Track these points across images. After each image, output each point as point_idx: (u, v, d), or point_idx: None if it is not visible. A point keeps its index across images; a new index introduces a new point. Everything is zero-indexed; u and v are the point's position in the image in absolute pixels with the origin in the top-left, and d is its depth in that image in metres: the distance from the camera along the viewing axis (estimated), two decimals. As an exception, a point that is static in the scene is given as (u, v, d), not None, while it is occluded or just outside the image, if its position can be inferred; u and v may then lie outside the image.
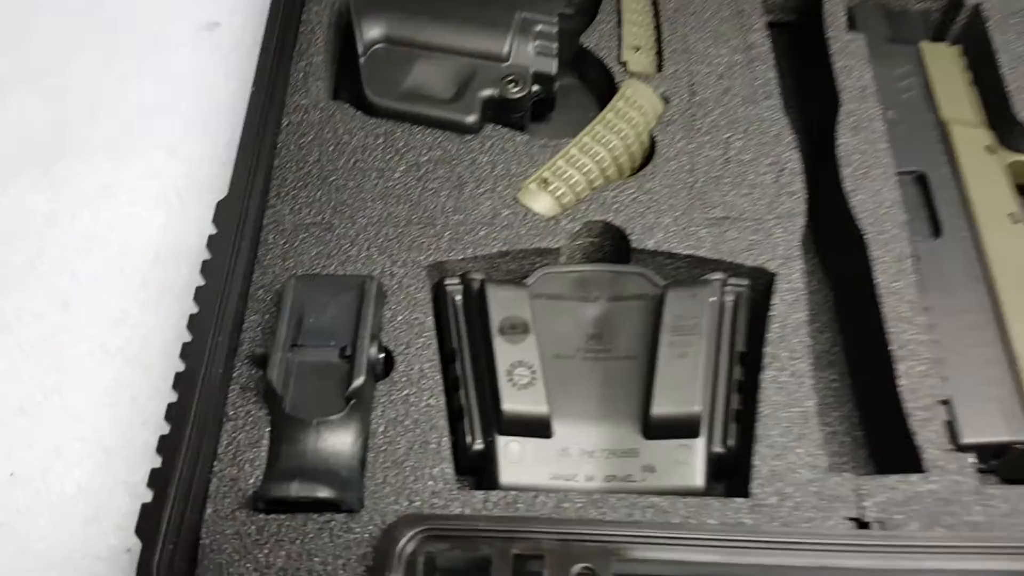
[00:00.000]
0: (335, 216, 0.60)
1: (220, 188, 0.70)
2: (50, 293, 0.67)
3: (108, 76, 0.80)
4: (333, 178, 0.62)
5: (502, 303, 0.55)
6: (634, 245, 0.59)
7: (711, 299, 0.56)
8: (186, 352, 0.53)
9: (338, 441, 0.51)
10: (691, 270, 0.59)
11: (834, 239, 0.61)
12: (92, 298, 0.67)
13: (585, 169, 0.61)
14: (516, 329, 0.55)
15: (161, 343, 0.65)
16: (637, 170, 0.63)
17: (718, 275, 0.58)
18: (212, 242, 0.57)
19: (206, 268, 0.56)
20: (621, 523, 0.49)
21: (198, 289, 0.56)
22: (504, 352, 0.54)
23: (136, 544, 0.54)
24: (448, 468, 0.52)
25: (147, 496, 0.53)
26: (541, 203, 0.61)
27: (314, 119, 0.64)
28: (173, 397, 0.53)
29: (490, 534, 0.48)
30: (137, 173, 0.74)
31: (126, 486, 0.59)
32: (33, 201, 0.73)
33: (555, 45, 0.66)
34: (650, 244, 0.59)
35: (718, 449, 0.53)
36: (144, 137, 0.76)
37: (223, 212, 0.58)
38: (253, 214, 0.59)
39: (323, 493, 0.48)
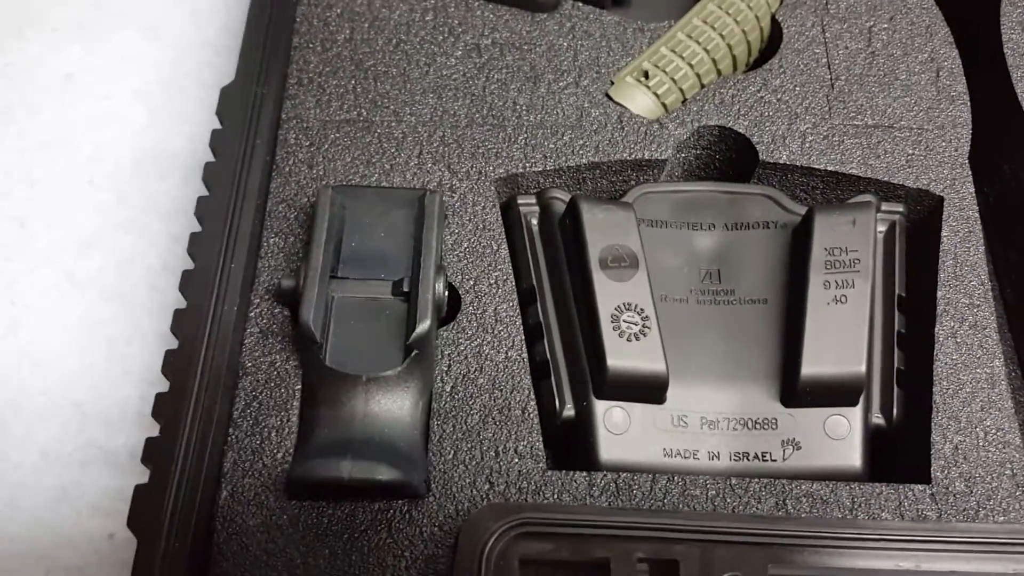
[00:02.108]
0: (375, 112, 0.46)
1: (214, 80, 0.57)
2: (2, 207, 0.53)
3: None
4: (370, 63, 0.48)
5: (603, 227, 0.42)
6: (764, 157, 0.46)
7: (874, 227, 0.43)
8: (187, 283, 0.40)
9: (395, 404, 0.38)
10: (831, 191, 0.47)
11: (1001, 157, 0.49)
12: (55, 215, 0.53)
13: (695, 59, 0.48)
14: (622, 262, 0.42)
15: (143, 272, 0.51)
16: (755, 63, 0.50)
17: (867, 198, 0.46)
18: (217, 140, 0.43)
19: (210, 173, 0.42)
20: (773, 519, 0.37)
21: (201, 200, 0.42)
22: (607, 292, 0.41)
23: (120, 528, 0.41)
24: (537, 442, 0.39)
25: (134, 470, 0.41)
26: (639, 101, 0.47)
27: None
28: (167, 342, 0.40)
29: (604, 531, 0.36)
30: (109, 59, 0.59)
31: (104, 454, 0.46)
32: (-21, 92, 0.58)
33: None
34: (783, 156, 0.46)
35: (877, 420, 0.41)
36: (116, 14, 0.61)
37: (230, 102, 0.44)
38: (270, 106, 0.45)
39: (386, 475, 0.35)
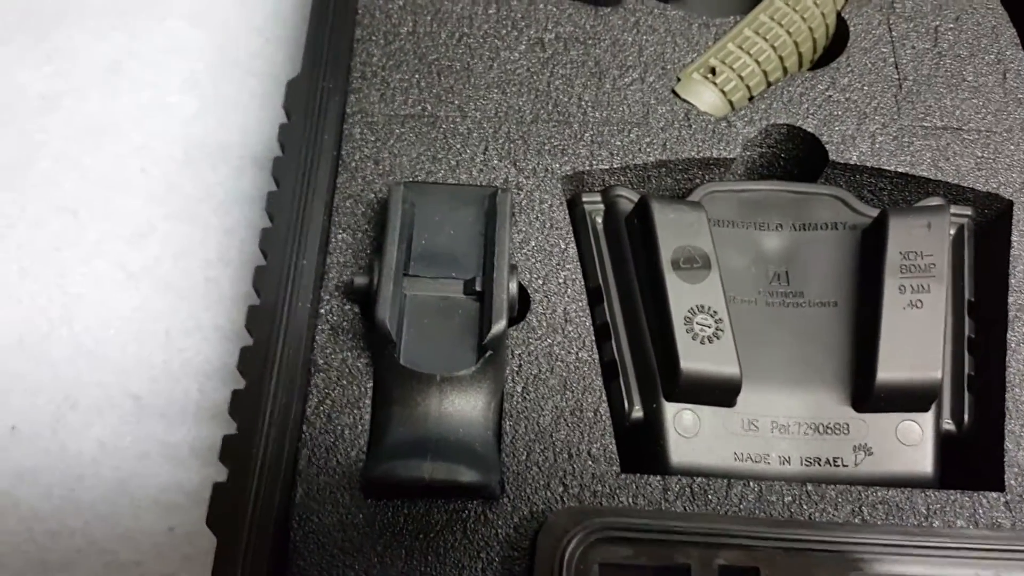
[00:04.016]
0: (440, 107, 0.46)
1: (264, 69, 0.57)
2: (52, 196, 0.53)
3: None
4: (433, 56, 0.47)
5: (675, 227, 0.42)
6: (833, 157, 0.45)
7: (948, 230, 0.42)
8: (260, 279, 0.39)
9: (468, 404, 0.38)
10: (899, 193, 0.46)
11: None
12: (107, 205, 0.53)
13: (762, 56, 0.48)
14: (695, 263, 0.41)
15: (199, 264, 0.51)
16: (820, 60, 0.50)
17: (937, 200, 0.45)
18: (285, 134, 0.43)
19: (279, 167, 0.42)
20: (851, 527, 0.37)
21: (271, 196, 0.41)
22: (680, 293, 0.40)
23: (180, 522, 0.41)
24: (611, 444, 0.39)
25: (194, 464, 0.40)
26: (706, 98, 0.47)
27: (405, -21, 0.49)
28: (226, 335, 0.40)
29: (684, 537, 0.35)
30: (155, 47, 0.58)
31: (163, 447, 0.45)
32: (26, 78, 0.57)
33: None
34: (853, 157, 0.45)
35: (948, 426, 0.41)
36: (159, 2, 0.60)
37: (296, 95, 0.44)
38: (335, 99, 0.45)
39: (466, 477, 0.35)
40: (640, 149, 0.45)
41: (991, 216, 0.45)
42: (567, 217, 0.44)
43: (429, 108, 0.46)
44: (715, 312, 0.40)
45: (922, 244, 0.42)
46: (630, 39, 0.48)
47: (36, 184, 0.53)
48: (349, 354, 0.39)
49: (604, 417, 0.39)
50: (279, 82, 0.54)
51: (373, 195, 0.43)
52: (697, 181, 0.47)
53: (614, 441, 0.39)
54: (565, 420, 0.39)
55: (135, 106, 0.56)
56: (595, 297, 0.43)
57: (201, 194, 0.52)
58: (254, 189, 0.51)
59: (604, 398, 0.40)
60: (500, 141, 0.45)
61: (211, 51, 0.58)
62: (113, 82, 0.57)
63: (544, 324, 0.41)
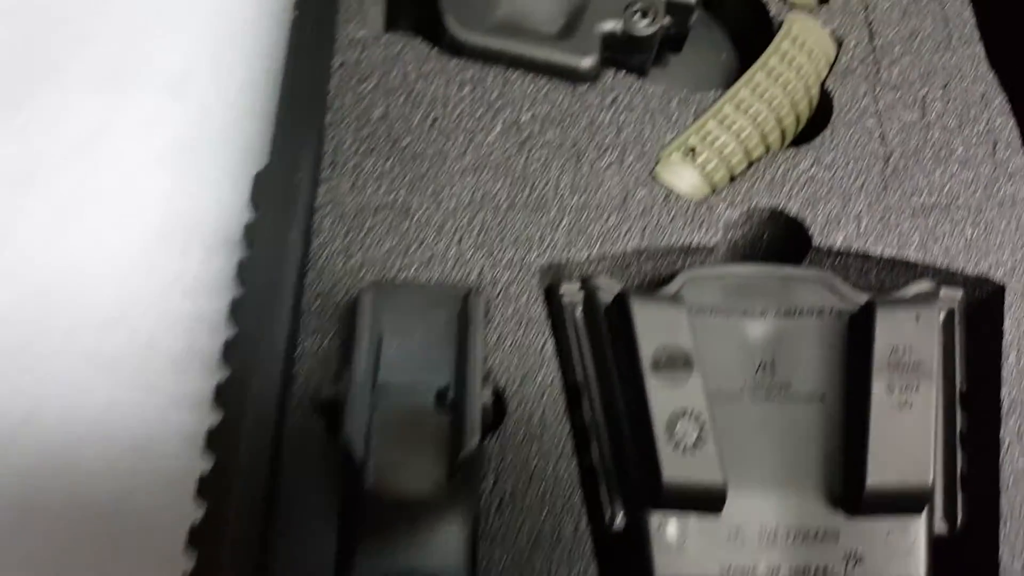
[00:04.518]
0: (413, 195, 0.44)
1: (240, 144, 0.55)
2: (25, 276, 0.51)
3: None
4: (407, 141, 0.46)
5: (655, 326, 0.40)
6: (817, 242, 0.44)
7: (938, 323, 0.41)
8: (222, 395, 0.38)
9: (442, 528, 0.36)
10: (887, 275, 0.45)
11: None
12: (78, 289, 0.51)
13: (743, 134, 0.46)
14: (676, 363, 0.40)
15: (167, 351, 0.49)
16: (804, 132, 0.48)
17: (926, 284, 0.44)
18: (251, 231, 0.42)
19: (244, 271, 0.41)
20: (841, 648, 0.35)
21: (234, 303, 0.40)
22: (660, 398, 0.39)
23: None
24: (591, 566, 0.38)
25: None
26: (686, 180, 0.46)
27: (375, 58, 0.48)
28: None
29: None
30: (130, 118, 0.57)
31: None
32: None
33: (694, -36, 0.49)
34: (839, 241, 0.44)
35: (940, 528, 0.40)
36: (134, 71, 0.59)
37: (264, 188, 0.43)
38: (304, 190, 0.43)
39: (437, 615, 0.33)
40: (619, 236, 0.44)
41: (983, 299, 0.44)
42: (545, 313, 0.42)
43: (402, 196, 0.44)
44: (698, 416, 0.39)
45: (911, 339, 0.40)
46: (608, 118, 0.47)
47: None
48: (314, 472, 0.38)
49: (585, 537, 0.38)
50: (255, 154, 0.53)
51: (342, 295, 0.42)
52: (678, 265, 0.45)
53: (595, 563, 0.38)
54: (544, 542, 0.38)
55: (108, 183, 0.55)
56: (574, 395, 0.42)
57: (173, 278, 0.51)
58: (226, 273, 0.50)
59: (584, 513, 0.38)
60: (475, 231, 0.44)
61: (186, 125, 0.57)
62: (86, 157, 0.56)
63: (521, 432, 0.40)
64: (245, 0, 0.61)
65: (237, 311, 0.40)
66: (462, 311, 0.40)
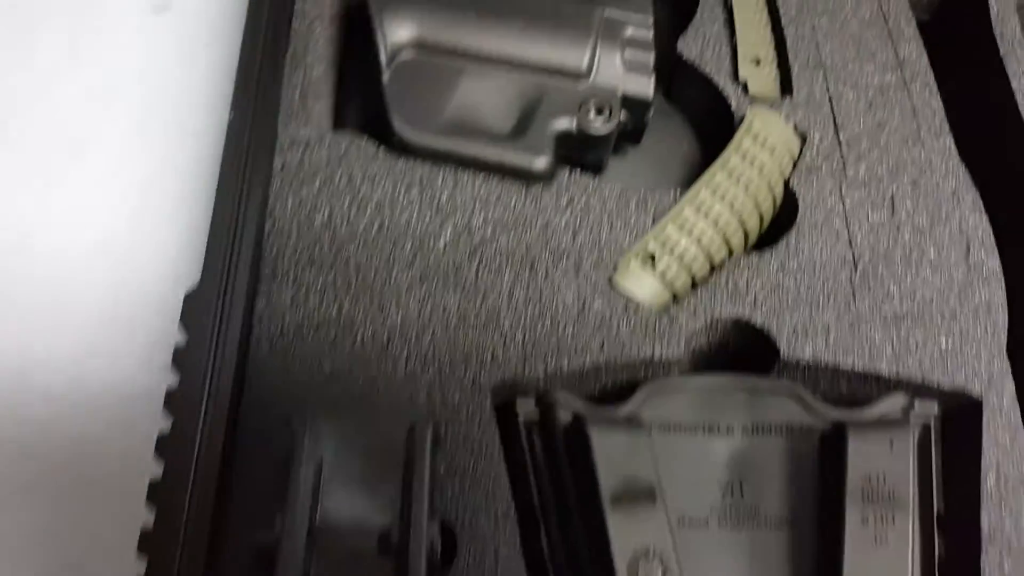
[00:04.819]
0: (357, 308, 0.42)
1: (186, 223, 0.52)
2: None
3: (28, 72, 0.59)
4: (351, 249, 0.43)
5: (615, 455, 0.38)
6: (785, 356, 0.42)
7: (912, 446, 0.39)
8: (149, 543, 0.35)
9: None
10: (858, 387, 0.43)
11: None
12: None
13: (705, 238, 0.44)
14: (637, 496, 0.37)
15: (95, 455, 0.46)
16: (768, 234, 0.46)
17: (899, 398, 0.42)
18: (181, 359, 0.39)
19: (174, 404, 0.38)
20: None
21: (161, 441, 0.37)
22: (622, 535, 0.37)
23: None
24: None
25: None
26: (646, 288, 0.43)
27: (319, 160, 0.45)
28: None
29: None
30: (69, 205, 0.54)
31: None
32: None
33: (652, 57, 0.47)
34: (807, 354, 0.42)
35: (920, 665, 0.37)
36: (72, 153, 0.56)
37: (194, 311, 0.40)
38: (239, 309, 0.40)
39: None
40: (576, 350, 0.42)
41: (959, 413, 0.42)
42: (497, 435, 0.40)
43: (345, 310, 0.42)
44: (662, 554, 0.37)
45: (885, 467, 0.38)
46: (563, 222, 0.45)
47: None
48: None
49: None
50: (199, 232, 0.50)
51: (279, 423, 0.39)
52: (641, 375, 0.43)
53: None
54: None
55: (45, 270, 0.52)
56: (531, 523, 0.39)
57: (99, 389, 0.48)
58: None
59: (539, 662, 0.36)
60: (423, 348, 0.41)
61: (127, 208, 0.54)
62: (28, 245, 0.53)
63: (473, 573, 0.37)
64: (185, 80, 0.58)
65: (165, 449, 0.37)
66: (408, 442, 0.37)
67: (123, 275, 0.51)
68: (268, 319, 0.41)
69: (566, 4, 0.48)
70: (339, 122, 0.49)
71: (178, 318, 0.39)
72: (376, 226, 0.44)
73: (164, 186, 0.53)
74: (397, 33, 0.46)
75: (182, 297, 0.40)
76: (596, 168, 0.48)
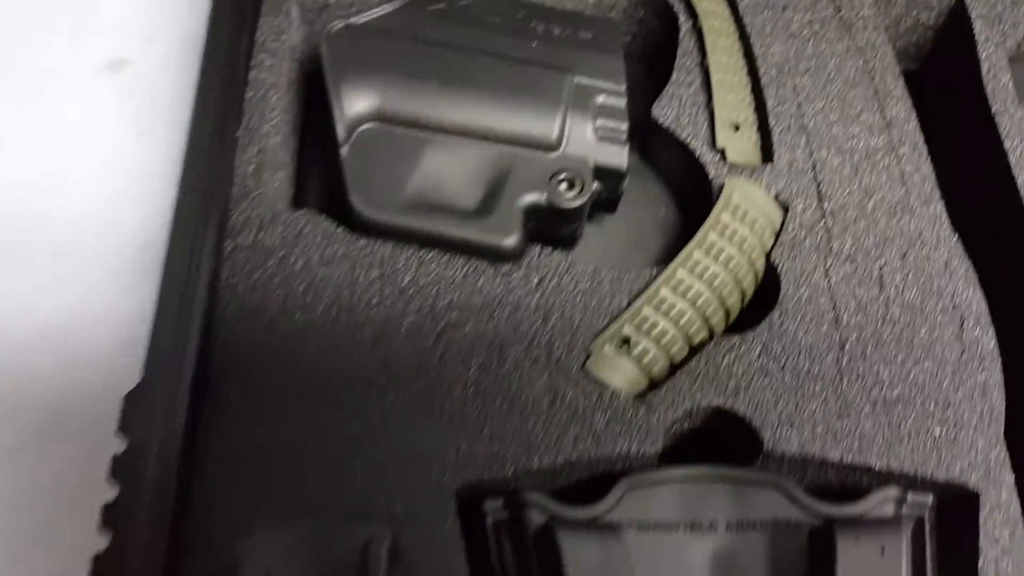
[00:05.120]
0: (311, 405, 0.39)
1: (127, 317, 0.50)
2: None
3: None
4: (306, 338, 0.41)
5: (589, 563, 0.35)
6: (768, 447, 0.39)
7: (905, 552, 0.36)
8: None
9: None
10: (847, 478, 0.40)
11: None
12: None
13: (683, 319, 0.42)
14: (612, 613, 0.35)
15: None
16: (750, 310, 0.44)
17: (892, 491, 0.39)
18: (121, 471, 0.36)
19: (110, 516, 0.35)
20: None
21: (97, 559, 0.34)
22: (596, 653, 0.34)
23: None
24: None
25: None
26: (621, 374, 0.41)
27: (273, 241, 0.43)
28: None
29: None
30: (22, 292, 0.51)
31: None
32: None
33: (625, 126, 0.45)
34: (793, 446, 0.39)
35: None
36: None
37: (135, 415, 0.37)
38: (182, 409, 0.38)
39: None
40: (547, 446, 0.39)
41: (954, 506, 0.39)
42: (463, 542, 0.37)
43: (300, 406, 0.39)
44: (638, 676, 0.34)
45: (875, 572, 0.35)
46: (533, 303, 0.42)
47: None
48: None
49: None
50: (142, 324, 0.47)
51: (226, 547, 0.36)
52: (618, 468, 0.40)
53: None
54: None
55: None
56: (497, 634, 0.36)
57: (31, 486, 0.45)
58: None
59: None
60: (383, 448, 0.38)
61: (73, 301, 0.51)
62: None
63: None
64: (141, 136, 0.56)
65: (101, 564, 0.34)
66: (361, 561, 0.34)
67: (60, 376, 0.47)
68: (215, 420, 0.38)
69: (534, 69, 0.46)
70: (297, 198, 0.47)
71: (116, 424, 0.36)
72: (334, 312, 0.41)
73: (112, 266, 0.51)
74: (356, 104, 0.44)
75: (122, 398, 0.37)
76: (569, 242, 0.46)
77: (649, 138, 0.50)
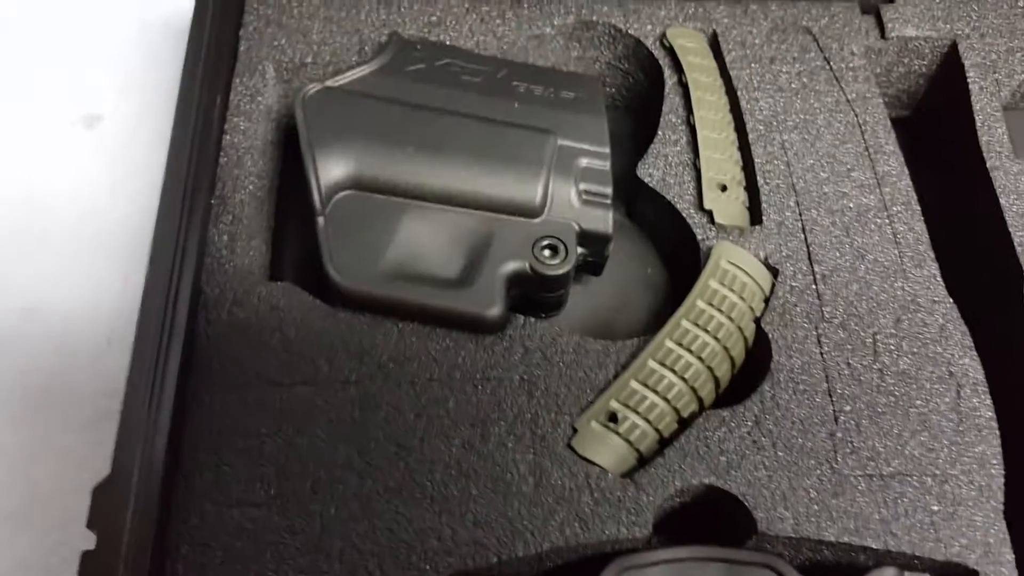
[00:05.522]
0: (285, 493, 0.38)
1: (105, 389, 0.48)
2: None
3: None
4: (280, 420, 0.39)
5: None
6: (762, 526, 0.38)
7: (904, 644, 0.35)
8: None
9: None
10: (843, 557, 0.39)
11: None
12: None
13: (671, 392, 0.40)
14: None
15: None
16: (740, 373, 0.43)
17: (889, 571, 0.38)
18: (88, 564, 0.34)
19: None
20: None
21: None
22: None
23: None
24: None
25: None
26: (608, 451, 0.39)
27: (247, 318, 0.41)
28: None
29: None
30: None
31: None
32: None
33: (609, 189, 0.44)
34: (787, 525, 0.38)
35: None
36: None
37: (103, 508, 0.35)
38: (152, 503, 0.36)
39: None
40: (533, 532, 0.38)
41: (953, 586, 0.38)
42: (448, 639, 0.36)
43: (274, 494, 0.38)
44: None
45: (875, 666, 0.34)
46: (517, 377, 0.41)
47: None
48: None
49: None
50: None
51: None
52: (607, 550, 0.39)
53: None
54: None
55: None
56: None
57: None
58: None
59: None
60: (361, 538, 0.37)
61: (47, 353, 0.50)
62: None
63: None
64: (115, 192, 0.54)
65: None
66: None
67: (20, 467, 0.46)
68: (186, 512, 0.37)
69: (515, 132, 0.44)
70: (273, 266, 0.45)
71: (84, 521, 0.35)
72: (311, 390, 0.40)
73: (83, 333, 0.49)
74: (332, 172, 0.43)
75: (89, 492, 0.36)
76: (553, 307, 0.45)
77: (634, 195, 0.48)
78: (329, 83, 0.44)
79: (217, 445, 0.38)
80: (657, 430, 0.40)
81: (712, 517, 0.40)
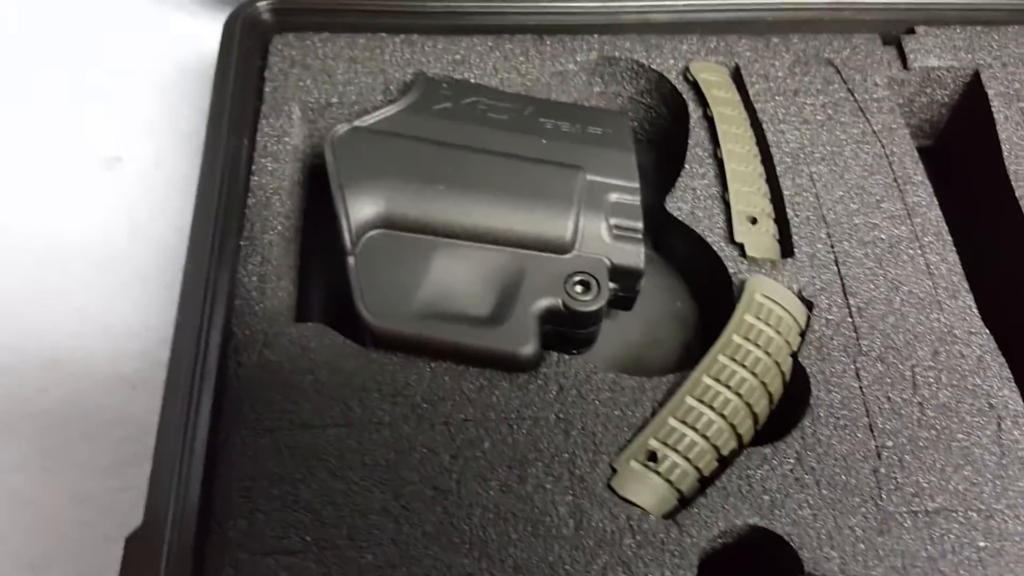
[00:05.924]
0: (321, 541, 0.37)
1: (128, 434, 0.48)
2: None
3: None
4: (313, 463, 0.39)
5: None
6: (808, 568, 0.37)
7: None
8: None
9: None
10: (891, 597, 0.38)
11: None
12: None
13: (711, 429, 0.40)
14: None
15: None
16: (778, 414, 0.42)
17: (939, 611, 0.37)
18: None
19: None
20: None
21: None
22: None
23: None
24: None
25: None
26: (650, 491, 0.39)
27: (278, 360, 0.41)
28: None
29: None
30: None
31: None
32: None
33: (640, 224, 0.44)
34: (834, 565, 0.37)
35: None
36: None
37: (137, 558, 0.35)
38: (186, 553, 0.36)
39: None
40: (575, 575, 0.37)
41: (1005, 624, 0.37)
42: None
43: (309, 541, 0.37)
44: None
45: None
46: (553, 417, 0.40)
47: None
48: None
49: None
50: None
51: None
52: (649, 593, 0.38)
53: None
54: None
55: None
56: None
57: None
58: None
59: None
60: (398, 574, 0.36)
61: (70, 404, 0.49)
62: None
63: None
64: (135, 233, 0.54)
65: None
66: None
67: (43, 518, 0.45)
68: (220, 562, 0.36)
69: (544, 168, 0.44)
70: (302, 307, 0.45)
71: (111, 571, 0.34)
72: (344, 433, 0.39)
73: (107, 389, 0.49)
74: (362, 211, 0.42)
75: (119, 541, 0.35)
76: (584, 343, 0.44)
77: (662, 229, 0.48)
78: (358, 123, 0.44)
79: (250, 491, 0.38)
80: (697, 468, 0.39)
81: (756, 558, 0.39)
